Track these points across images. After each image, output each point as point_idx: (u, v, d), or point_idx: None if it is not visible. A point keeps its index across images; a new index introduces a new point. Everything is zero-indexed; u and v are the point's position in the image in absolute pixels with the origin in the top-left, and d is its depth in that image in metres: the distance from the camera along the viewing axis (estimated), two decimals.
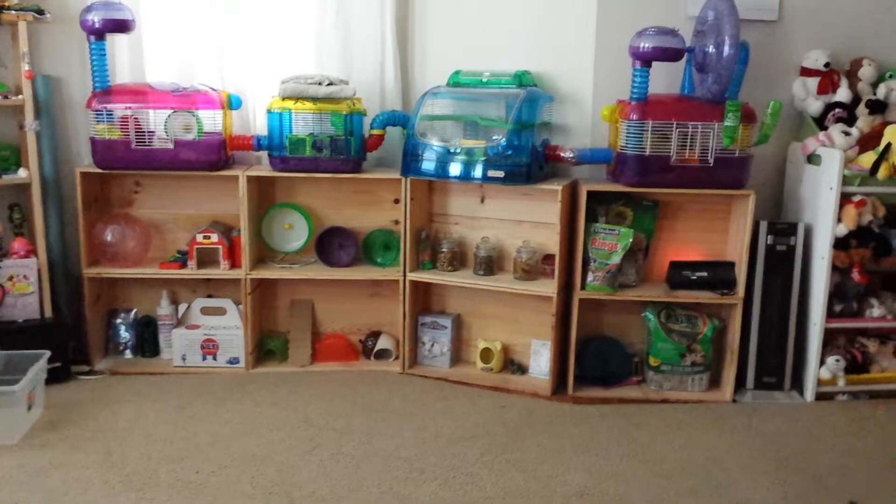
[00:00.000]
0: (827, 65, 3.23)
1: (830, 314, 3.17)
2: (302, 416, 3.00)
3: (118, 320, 3.57)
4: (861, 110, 3.18)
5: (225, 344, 3.45)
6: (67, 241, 3.45)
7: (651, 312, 3.28)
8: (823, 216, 3.11)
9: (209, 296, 3.59)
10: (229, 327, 3.48)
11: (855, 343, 3.29)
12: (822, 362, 3.19)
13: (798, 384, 3.28)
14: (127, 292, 3.61)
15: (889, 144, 2.97)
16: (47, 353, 3.01)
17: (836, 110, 3.21)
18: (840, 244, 3.10)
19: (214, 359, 3.46)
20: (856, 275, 3.12)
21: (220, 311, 3.52)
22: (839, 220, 3.07)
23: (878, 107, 3.15)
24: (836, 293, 3.18)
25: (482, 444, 2.81)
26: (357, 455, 2.70)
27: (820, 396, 3.22)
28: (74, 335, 3.40)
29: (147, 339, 3.55)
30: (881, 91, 3.19)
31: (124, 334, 3.56)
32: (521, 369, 3.46)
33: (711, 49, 2.97)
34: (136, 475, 2.54)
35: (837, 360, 3.17)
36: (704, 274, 3.23)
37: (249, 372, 3.45)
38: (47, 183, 3.34)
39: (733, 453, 2.77)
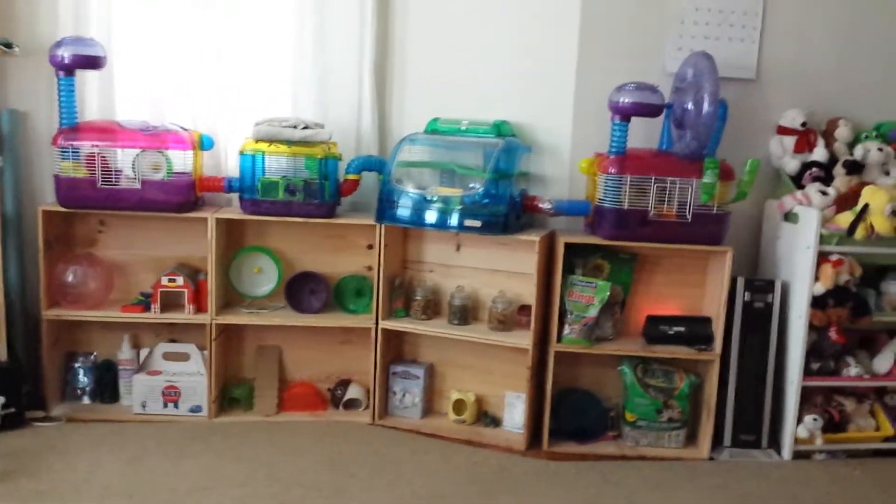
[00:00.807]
0: (804, 124, 3.26)
1: (807, 372, 3.15)
2: (267, 470, 2.88)
3: (77, 364, 3.42)
4: (838, 170, 3.20)
5: (187, 391, 3.33)
6: (27, 281, 3.32)
7: (628, 367, 3.24)
8: (801, 274, 3.10)
9: (172, 340, 3.47)
10: (192, 374, 3.36)
11: (832, 402, 3.27)
12: (799, 420, 3.16)
13: (775, 442, 3.25)
14: (87, 335, 3.47)
15: (866, 205, 2.98)
16: (1, 400, 2.87)
17: (813, 169, 3.23)
18: (817, 303, 3.09)
19: (176, 406, 3.33)
20: (833, 334, 3.11)
21: (184, 357, 3.40)
22: (816, 278, 3.07)
23: (855, 167, 3.17)
24: (813, 351, 3.17)
25: (455, 503, 2.71)
26: None
27: (797, 455, 3.19)
28: (30, 379, 3.25)
29: (106, 385, 3.41)
30: (858, 152, 3.22)
31: (83, 379, 3.42)
32: (495, 422, 3.38)
33: (690, 106, 2.98)
34: None
35: (815, 419, 3.14)
36: (681, 329, 3.20)
37: (212, 421, 3.33)
38: (8, 220, 3.23)
39: None
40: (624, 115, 3.01)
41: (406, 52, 3.49)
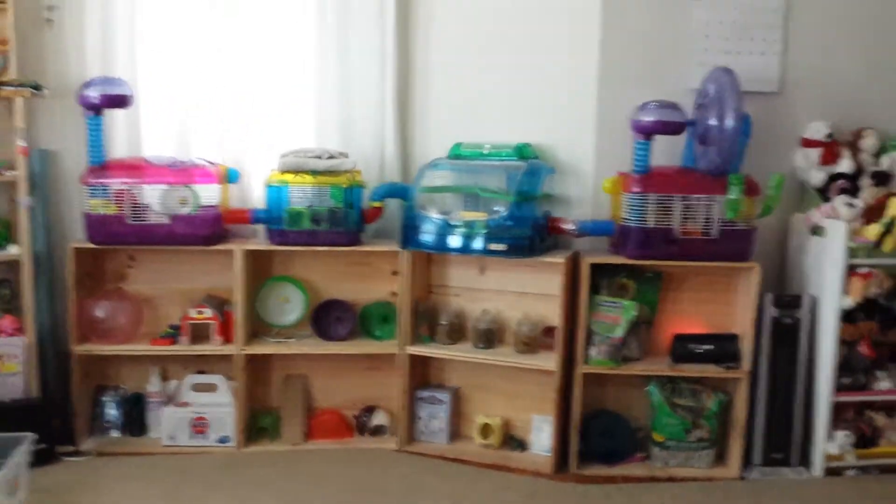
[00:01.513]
0: (829, 136, 3.23)
1: (838, 387, 3.11)
2: (295, 499, 2.88)
3: (106, 398, 3.44)
4: (865, 182, 3.18)
5: (216, 422, 3.34)
6: (57, 317, 3.36)
7: (655, 387, 3.22)
8: (829, 289, 3.08)
9: (200, 372, 3.48)
10: (220, 404, 3.37)
11: (863, 417, 3.23)
12: (830, 437, 3.12)
13: (806, 459, 3.20)
14: (116, 369, 3.49)
15: (895, 216, 2.96)
16: (31, 436, 2.88)
17: (840, 181, 3.20)
18: (847, 317, 3.06)
19: (205, 437, 3.34)
20: (864, 348, 3.08)
21: (212, 388, 3.42)
22: (845, 292, 3.04)
23: (882, 178, 3.16)
24: (844, 366, 3.13)
25: None
26: None
27: (829, 472, 3.14)
28: (61, 414, 3.27)
29: (135, 418, 3.43)
30: (885, 162, 3.20)
31: (112, 412, 3.43)
32: (522, 445, 3.37)
33: (713, 122, 2.97)
34: None
35: (846, 435, 3.11)
36: (709, 347, 3.17)
37: (241, 451, 3.34)
38: (39, 259, 3.28)
39: None
40: (647, 133, 3.01)
41: (428, 78, 3.52)
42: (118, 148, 3.37)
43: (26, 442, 2.84)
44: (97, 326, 3.31)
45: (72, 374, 3.28)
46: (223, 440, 3.35)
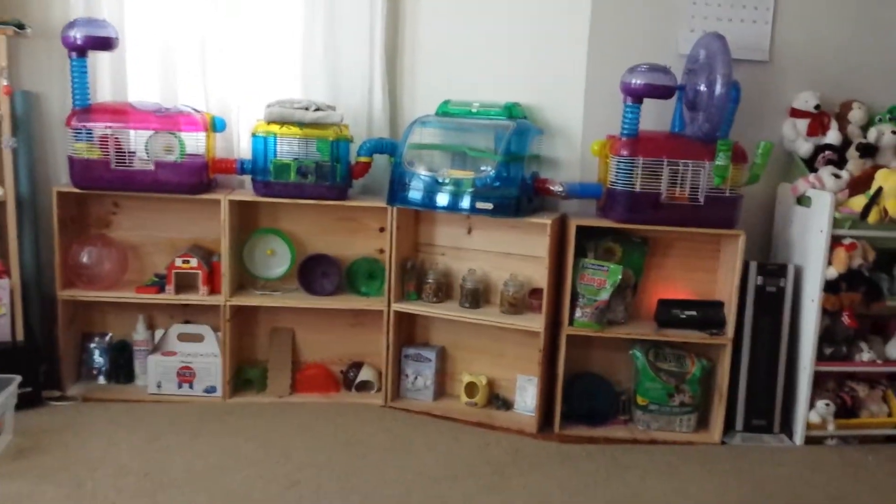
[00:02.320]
0: (817, 107, 3.23)
1: (820, 357, 3.14)
2: (280, 450, 2.90)
3: (92, 344, 3.46)
4: (852, 153, 3.18)
5: (202, 372, 3.36)
6: (42, 261, 3.35)
7: (639, 351, 3.24)
8: (813, 258, 3.09)
9: (187, 321, 3.50)
10: (207, 355, 3.39)
11: (844, 387, 3.26)
12: (811, 406, 3.15)
13: (787, 427, 3.25)
14: (102, 316, 3.50)
15: (880, 188, 2.97)
16: (18, 378, 2.90)
17: (826, 152, 3.21)
18: (830, 287, 3.08)
19: (191, 387, 3.36)
20: (846, 319, 3.10)
21: (198, 338, 3.43)
22: (829, 262, 3.05)
23: (868, 150, 3.15)
24: (826, 336, 3.16)
25: (467, 484, 2.73)
26: (337, 493, 2.62)
27: (809, 440, 3.18)
28: (47, 359, 3.28)
29: (122, 365, 3.45)
30: (871, 135, 3.20)
31: (98, 359, 3.45)
32: (507, 405, 3.40)
33: (703, 87, 2.95)
34: None
35: (827, 405, 3.14)
36: (693, 313, 3.19)
37: (226, 402, 3.36)
38: (23, 201, 3.25)
39: (723, 499, 2.72)
40: (636, 96, 2.99)
41: (417, 34, 3.48)
42: (103, 91, 3.34)
43: (13, 384, 2.86)
44: (82, 272, 3.31)
45: (57, 318, 3.28)
46: (209, 390, 3.37)
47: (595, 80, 3.23)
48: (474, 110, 3.26)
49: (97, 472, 2.67)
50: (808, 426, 3.17)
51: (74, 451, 2.82)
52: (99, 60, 3.30)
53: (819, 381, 3.19)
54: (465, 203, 3.12)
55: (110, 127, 3.13)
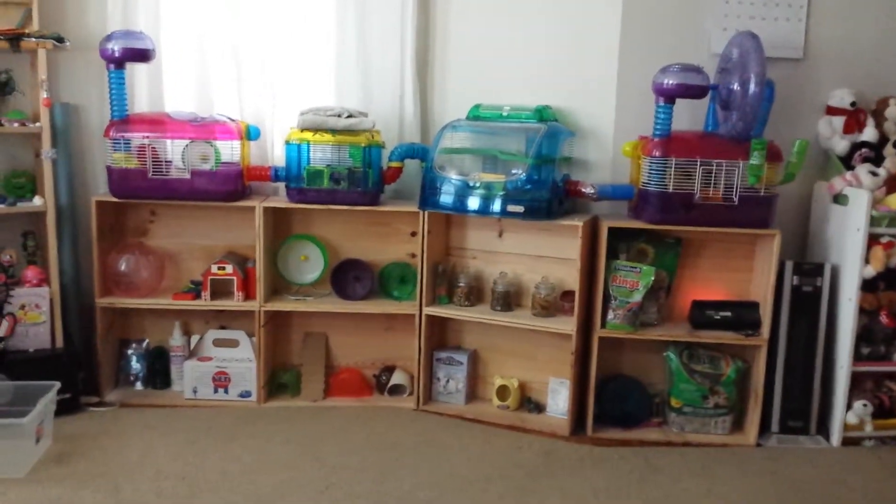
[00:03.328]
0: (853, 104, 3.19)
1: (857, 357, 3.09)
2: (314, 454, 2.93)
3: (130, 351, 3.52)
4: (889, 150, 3.13)
5: (237, 377, 3.40)
6: (81, 269, 3.41)
7: (673, 352, 3.21)
8: (851, 257, 3.04)
9: (222, 327, 3.54)
10: (242, 360, 3.43)
11: (882, 387, 3.20)
12: (848, 406, 3.11)
13: (824, 429, 3.20)
14: (139, 322, 3.56)
15: None
16: (57, 385, 2.96)
17: (863, 150, 3.16)
18: (867, 286, 3.03)
19: (226, 392, 3.40)
20: (884, 318, 3.05)
21: (233, 343, 3.47)
22: (867, 261, 3.01)
23: None
24: (863, 336, 3.11)
25: (499, 486, 2.73)
26: (371, 496, 2.63)
27: (846, 441, 3.13)
28: (85, 366, 3.34)
29: (158, 371, 3.50)
30: None
31: (135, 365, 3.51)
32: (539, 408, 3.39)
33: (736, 87, 2.93)
34: None
35: (865, 405, 3.09)
36: (728, 314, 3.16)
37: (261, 406, 3.39)
38: (62, 211, 3.32)
39: (759, 501, 2.69)
40: (668, 96, 2.97)
41: (447, 38, 3.49)
42: (140, 102, 3.40)
43: (52, 390, 2.91)
44: (120, 280, 3.37)
45: (96, 325, 3.34)
46: (244, 395, 3.40)
47: (626, 80, 3.22)
48: (505, 114, 3.27)
49: (135, 477, 2.71)
50: (846, 427, 3.12)
51: (112, 456, 2.87)
52: (136, 71, 3.37)
53: (856, 381, 3.14)
54: (497, 206, 3.12)
55: (147, 137, 3.19)
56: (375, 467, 2.84)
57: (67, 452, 2.87)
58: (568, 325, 3.16)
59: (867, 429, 3.12)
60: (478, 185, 3.15)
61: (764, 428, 3.19)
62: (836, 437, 3.14)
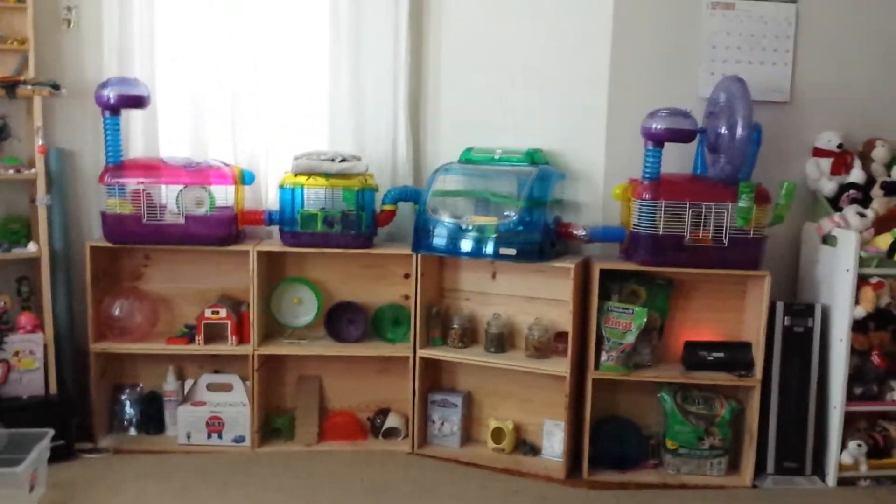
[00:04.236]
0: (840, 146, 3.23)
1: (850, 397, 3.10)
2: (308, 501, 2.91)
3: (123, 396, 3.50)
4: (876, 192, 3.17)
5: (231, 422, 3.38)
6: (75, 315, 3.41)
7: (667, 393, 3.22)
8: (841, 298, 3.07)
9: (216, 371, 3.53)
10: (235, 404, 3.42)
11: (876, 427, 3.21)
12: (843, 447, 3.11)
13: (819, 469, 3.20)
14: (133, 367, 3.55)
15: None
16: (51, 432, 2.94)
17: (851, 191, 3.20)
18: (858, 327, 3.05)
19: (220, 437, 3.39)
20: (875, 358, 3.07)
21: (227, 388, 3.46)
22: (857, 302, 3.03)
23: (893, 188, 3.14)
24: (856, 376, 3.12)
25: None
26: None
27: (842, 481, 3.13)
28: (79, 412, 3.33)
29: (152, 416, 3.48)
30: None
31: (129, 410, 3.49)
32: (534, 450, 3.38)
33: (724, 130, 2.98)
34: None
35: (859, 445, 3.10)
36: (721, 355, 3.17)
37: (255, 451, 3.37)
38: (57, 257, 3.33)
39: None
40: (657, 140, 3.01)
41: (440, 83, 3.54)
42: (135, 147, 3.42)
43: (45, 438, 2.89)
44: (114, 325, 3.37)
45: (90, 371, 3.33)
46: (238, 440, 3.39)
47: (616, 124, 3.26)
48: (497, 157, 3.30)
49: None
50: (841, 467, 3.13)
51: (106, 503, 2.85)
52: (131, 117, 3.39)
53: (850, 421, 3.15)
54: (489, 248, 3.14)
55: (142, 182, 3.21)
56: None
57: (61, 501, 2.86)
58: (562, 366, 3.16)
59: (862, 469, 3.12)
60: (470, 227, 3.18)
61: (760, 469, 3.18)
62: (831, 478, 3.14)
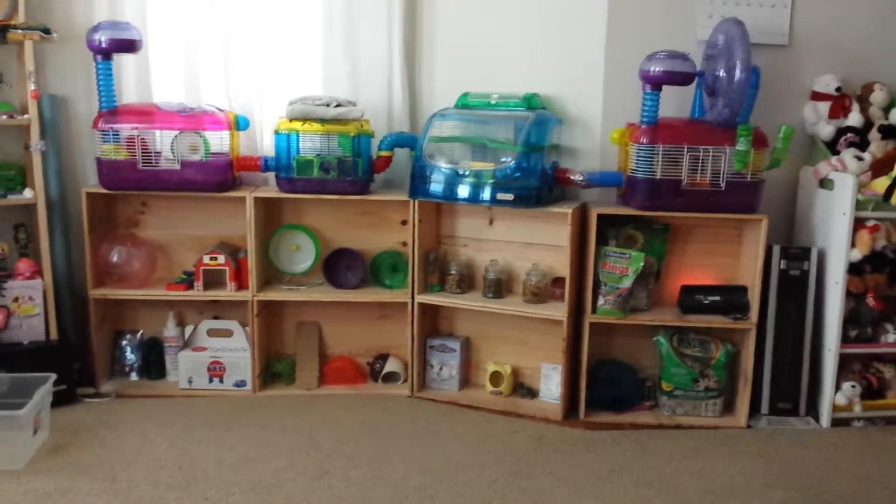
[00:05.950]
0: (838, 89, 3.22)
1: (845, 339, 3.13)
2: (309, 441, 2.96)
3: (124, 342, 3.53)
4: (874, 135, 3.16)
5: (231, 366, 3.42)
6: (73, 261, 3.42)
7: (663, 337, 3.25)
8: (837, 241, 3.08)
9: (216, 317, 3.56)
10: (236, 349, 3.44)
11: (870, 369, 3.25)
12: (837, 388, 3.15)
13: (813, 410, 3.24)
14: (133, 314, 3.57)
15: None
16: (53, 376, 2.97)
17: (848, 135, 3.20)
18: (854, 269, 3.07)
19: (221, 381, 3.42)
20: (870, 301, 3.09)
21: (227, 333, 3.49)
22: (853, 245, 3.04)
23: (891, 132, 3.13)
24: (851, 318, 3.15)
25: (493, 471, 2.77)
26: (366, 482, 2.66)
27: (836, 422, 3.18)
28: (80, 357, 3.36)
29: (153, 361, 3.51)
30: (894, 116, 3.18)
31: (130, 356, 3.52)
32: (532, 393, 3.42)
33: (722, 73, 2.96)
34: (142, 502, 2.50)
35: (853, 386, 3.14)
36: (717, 298, 3.19)
37: (256, 395, 3.41)
38: (53, 203, 3.32)
39: (750, 481, 2.73)
40: (655, 84, 2.99)
41: (434, 27, 3.50)
42: (128, 93, 3.40)
43: (48, 382, 2.92)
44: (112, 271, 3.38)
45: (89, 317, 3.35)
46: (239, 384, 3.43)
47: (613, 68, 3.24)
48: (493, 102, 3.28)
49: (132, 467, 2.73)
50: (835, 408, 3.17)
51: (109, 446, 2.89)
52: (123, 62, 3.36)
53: (845, 363, 3.19)
54: (486, 194, 3.14)
55: (136, 128, 3.19)
56: (370, 454, 2.86)
57: (64, 443, 2.89)
58: (559, 311, 3.19)
59: (856, 409, 3.17)
60: (467, 173, 3.17)
61: (754, 410, 3.23)
62: (825, 419, 3.19)
